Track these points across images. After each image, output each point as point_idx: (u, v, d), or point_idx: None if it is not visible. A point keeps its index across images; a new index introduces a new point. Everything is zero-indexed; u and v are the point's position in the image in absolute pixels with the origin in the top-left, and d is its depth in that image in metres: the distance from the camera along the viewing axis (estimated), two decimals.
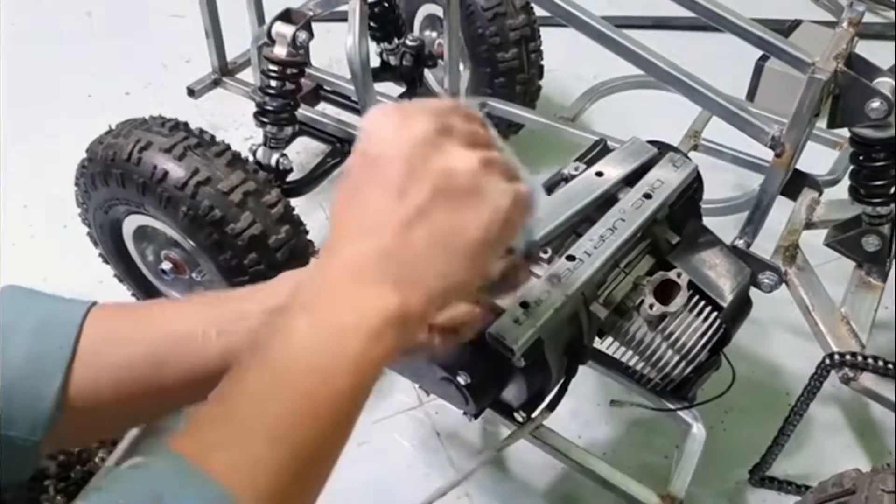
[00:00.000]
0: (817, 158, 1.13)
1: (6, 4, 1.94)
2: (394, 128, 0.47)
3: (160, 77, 1.79)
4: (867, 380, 0.88)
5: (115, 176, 1.02)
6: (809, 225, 1.03)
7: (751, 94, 1.65)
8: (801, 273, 0.97)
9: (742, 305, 0.85)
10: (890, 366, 0.86)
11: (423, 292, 0.46)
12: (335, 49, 1.33)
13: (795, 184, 1.02)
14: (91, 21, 1.99)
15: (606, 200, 0.80)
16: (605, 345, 0.83)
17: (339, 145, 1.28)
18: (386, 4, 1.32)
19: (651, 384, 0.83)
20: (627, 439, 1.12)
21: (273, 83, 1.13)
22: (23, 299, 0.54)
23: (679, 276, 0.79)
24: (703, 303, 0.81)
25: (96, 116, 1.17)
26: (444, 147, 0.47)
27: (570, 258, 0.73)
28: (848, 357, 0.87)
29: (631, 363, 0.82)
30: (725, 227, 0.99)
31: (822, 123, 0.93)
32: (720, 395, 0.86)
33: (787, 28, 1.72)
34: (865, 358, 0.87)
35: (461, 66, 1.37)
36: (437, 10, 1.41)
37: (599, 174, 0.80)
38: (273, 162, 1.17)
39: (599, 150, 0.86)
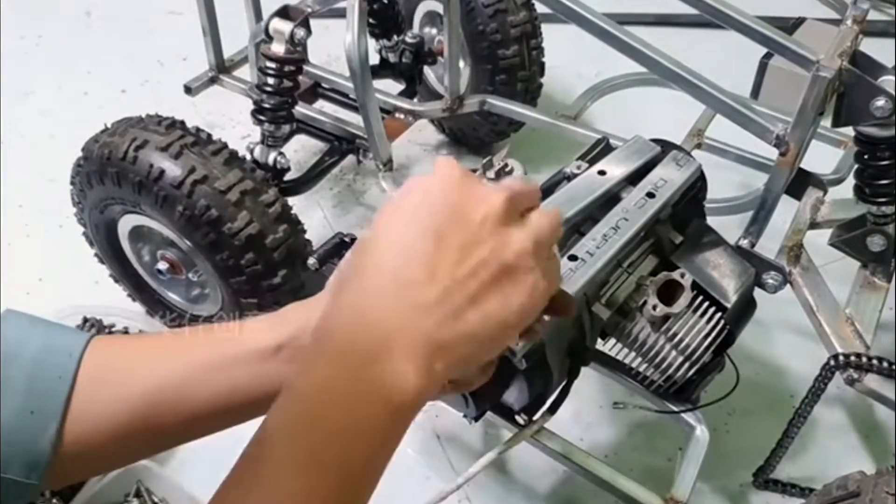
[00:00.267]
0: (822, 157, 1.12)
1: (6, 3, 1.93)
2: (463, 194, 0.46)
3: (157, 75, 1.78)
4: (872, 381, 0.87)
5: (110, 175, 1.01)
6: (814, 224, 1.02)
7: (755, 92, 1.64)
8: (805, 273, 0.96)
9: (746, 306, 0.84)
10: (895, 367, 0.85)
11: (454, 370, 0.46)
12: (334, 46, 1.32)
13: (800, 183, 1.01)
14: (89, 20, 1.98)
15: (609, 199, 0.78)
16: (608, 346, 0.82)
17: (338, 143, 1.27)
18: (385, 1, 1.31)
19: (654, 386, 0.82)
20: (630, 442, 1.11)
21: (270, 81, 1.13)
22: (20, 329, 0.52)
23: (682, 276, 0.78)
24: (706, 303, 0.80)
25: (92, 114, 1.16)
26: (506, 230, 0.46)
27: (573, 258, 0.72)
28: (852, 358, 0.87)
29: (634, 365, 0.81)
30: (729, 227, 0.98)
31: (826, 122, 0.92)
32: (724, 397, 0.85)
33: (791, 25, 1.71)
34: (870, 359, 0.86)
35: (461, 64, 1.36)
36: (437, 7, 1.40)
37: (602, 173, 0.79)
38: (270, 160, 1.16)
39: (602, 148, 0.86)
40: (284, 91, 1.14)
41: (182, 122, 1.05)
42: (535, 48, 1.37)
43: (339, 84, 1.33)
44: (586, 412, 1.14)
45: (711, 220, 0.89)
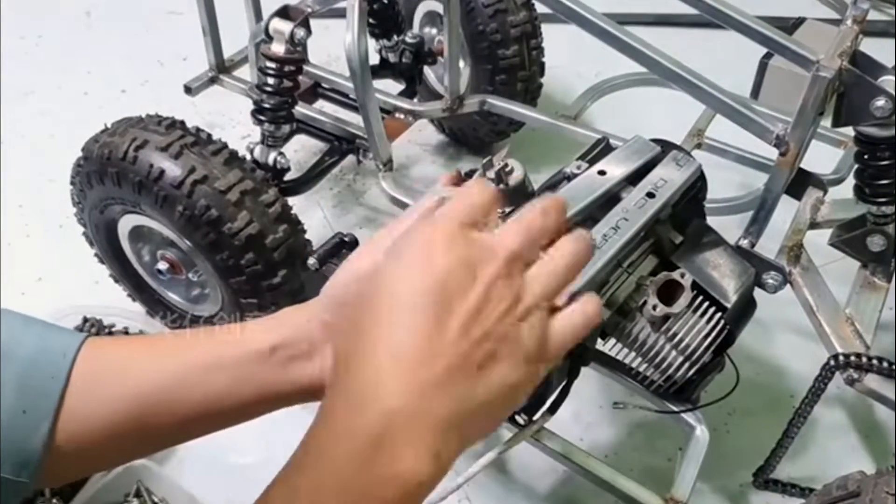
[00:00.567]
0: (822, 157, 1.12)
1: (6, 4, 1.93)
2: (466, 252, 0.44)
3: (157, 75, 1.78)
4: (872, 381, 0.87)
5: (110, 175, 1.01)
6: (814, 224, 1.02)
7: (755, 92, 1.64)
8: (805, 273, 0.96)
9: (746, 306, 0.84)
10: (894, 367, 0.85)
11: (466, 444, 0.44)
12: (334, 46, 1.32)
13: (800, 183, 1.01)
14: (89, 20, 1.98)
15: (609, 200, 0.78)
16: (608, 346, 0.82)
17: (338, 143, 1.27)
18: (385, 1, 1.31)
19: (654, 386, 0.82)
20: (630, 442, 1.11)
21: (270, 80, 1.12)
22: (14, 329, 0.52)
23: (682, 276, 0.78)
24: (706, 303, 0.80)
25: (93, 114, 1.16)
26: (511, 289, 0.44)
27: None
28: (852, 358, 0.87)
29: (634, 365, 0.81)
30: (729, 227, 0.98)
31: (826, 122, 0.92)
32: (724, 397, 0.85)
33: (791, 25, 1.71)
34: (870, 359, 0.86)
35: (461, 64, 1.36)
36: (437, 7, 1.40)
37: (602, 173, 0.79)
38: (270, 160, 1.16)
39: (602, 148, 0.85)
40: (284, 91, 1.14)
41: (182, 122, 1.05)
42: (535, 48, 1.37)
43: (339, 84, 1.33)
44: (586, 412, 1.14)
45: (711, 220, 0.89)
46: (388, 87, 1.35)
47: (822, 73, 0.82)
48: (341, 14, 1.07)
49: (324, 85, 1.38)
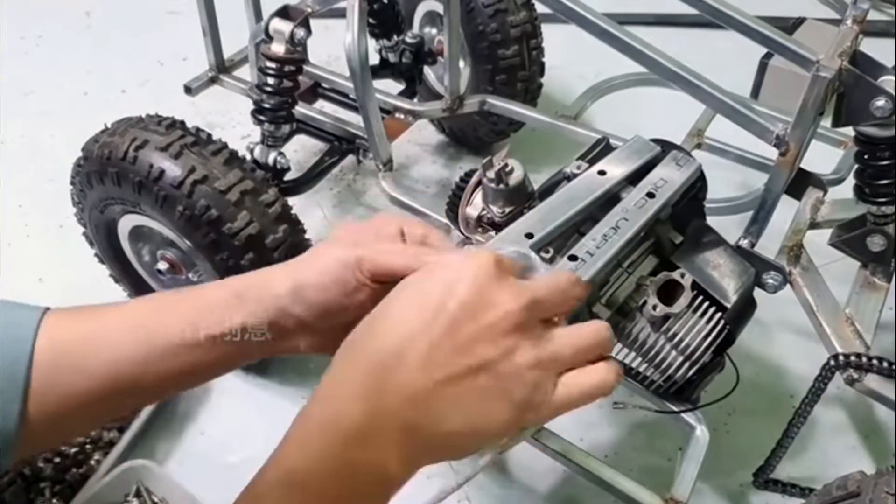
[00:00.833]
0: (822, 157, 1.12)
1: (6, 4, 1.93)
2: (488, 292, 0.46)
3: (157, 75, 1.78)
4: (872, 381, 0.87)
5: (110, 175, 1.01)
6: (814, 224, 1.02)
7: (755, 92, 1.64)
8: (805, 273, 0.96)
9: (746, 306, 0.84)
10: (894, 367, 0.85)
11: (437, 459, 0.47)
12: (334, 46, 1.32)
13: (800, 183, 1.01)
14: (89, 20, 1.98)
15: (609, 199, 0.78)
16: None
17: (338, 143, 1.27)
18: (385, 1, 1.31)
19: (654, 386, 0.82)
20: (630, 442, 1.11)
21: (270, 81, 1.12)
22: None
23: (682, 276, 0.78)
24: (706, 303, 0.80)
25: (92, 114, 1.16)
26: (514, 340, 0.46)
27: (573, 258, 0.72)
28: (852, 358, 0.87)
29: (633, 365, 0.81)
30: (729, 227, 0.98)
31: (826, 122, 0.91)
32: (724, 397, 0.85)
33: (790, 25, 1.71)
34: (870, 359, 0.86)
35: (461, 64, 1.36)
36: (437, 7, 1.40)
37: (602, 173, 0.79)
38: (270, 160, 1.16)
39: (602, 148, 0.85)
40: (284, 91, 1.14)
41: (182, 122, 1.05)
42: (535, 48, 1.37)
43: (339, 84, 1.33)
44: (586, 412, 1.14)
45: (711, 220, 0.89)
46: (388, 87, 1.35)
47: (822, 73, 0.82)
48: (341, 14, 1.07)
49: (324, 85, 1.38)
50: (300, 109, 1.24)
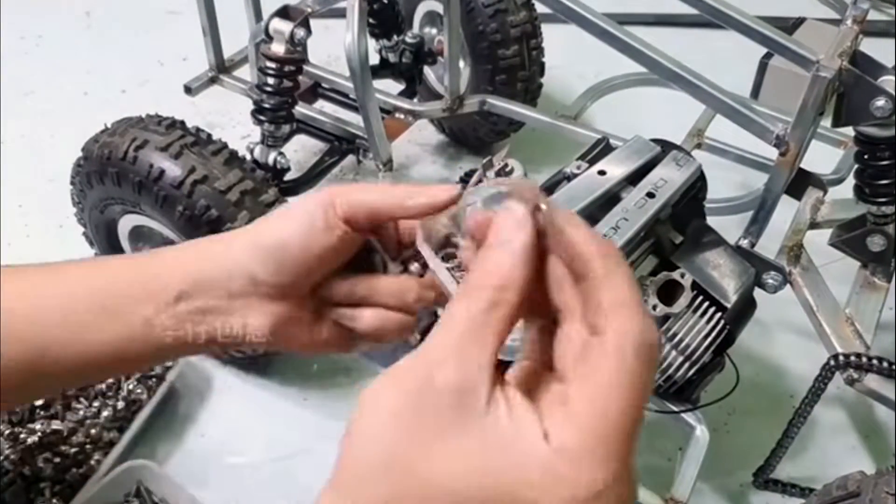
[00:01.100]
0: (822, 157, 1.12)
1: (6, 4, 1.93)
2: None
3: (157, 75, 1.77)
4: (872, 381, 0.87)
5: (110, 175, 1.01)
6: (814, 224, 1.02)
7: (755, 92, 1.64)
8: (805, 273, 0.96)
9: (746, 306, 0.84)
10: (894, 367, 0.85)
11: None
12: (334, 46, 1.32)
13: (800, 183, 1.01)
14: (89, 19, 1.98)
15: (609, 200, 0.79)
16: None
17: (337, 143, 1.27)
18: (385, 1, 1.31)
19: (654, 386, 0.82)
20: None
21: (270, 80, 1.12)
22: None
23: (682, 276, 0.78)
24: (706, 304, 0.80)
25: (92, 114, 1.16)
26: None
27: None
28: (852, 358, 0.87)
29: None
30: (729, 227, 0.98)
31: (826, 122, 0.91)
32: (724, 397, 0.85)
33: (790, 25, 1.71)
34: (870, 359, 0.86)
35: (461, 64, 1.36)
36: (437, 7, 1.40)
37: (602, 173, 0.80)
38: (270, 160, 1.16)
39: (602, 148, 0.86)
40: (284, 91, 1.14)
41: (182, 122, 1.04)
42: (535, 48, 1.37)
43: (339, 84, 1.33)
44: None
45: (711, 220, 0.89)
46: (388, 87, 1.35)
47: (822, 73, 0.82)
48: (341, 14, 1.07)
49: (324, 85, 1.38)
50: (300, 109, 1.24)
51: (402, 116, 1.30)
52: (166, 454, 1.07)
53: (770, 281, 0.93)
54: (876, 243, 0.94)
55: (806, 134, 0.87)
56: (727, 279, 0.83)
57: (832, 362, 0.87)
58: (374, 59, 1.33)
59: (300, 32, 1.09)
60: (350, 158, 1.28)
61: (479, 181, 0.82)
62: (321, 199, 0.50)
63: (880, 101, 0.82)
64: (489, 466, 0.32)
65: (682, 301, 0.77)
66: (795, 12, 1.79)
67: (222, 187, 0.98)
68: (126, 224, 1.12)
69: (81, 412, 1.04)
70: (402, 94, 1.37)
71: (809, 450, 1.09)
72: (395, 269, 0.53)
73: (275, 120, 1.15)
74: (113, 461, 1.00)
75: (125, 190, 1.01)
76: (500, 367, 0.35)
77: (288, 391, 1.15)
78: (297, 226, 0.49)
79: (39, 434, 1.01)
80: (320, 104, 1.39)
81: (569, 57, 1.60)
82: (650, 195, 0.79)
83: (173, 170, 0.97)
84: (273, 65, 1.11)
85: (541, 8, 1.05)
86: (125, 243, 1.15)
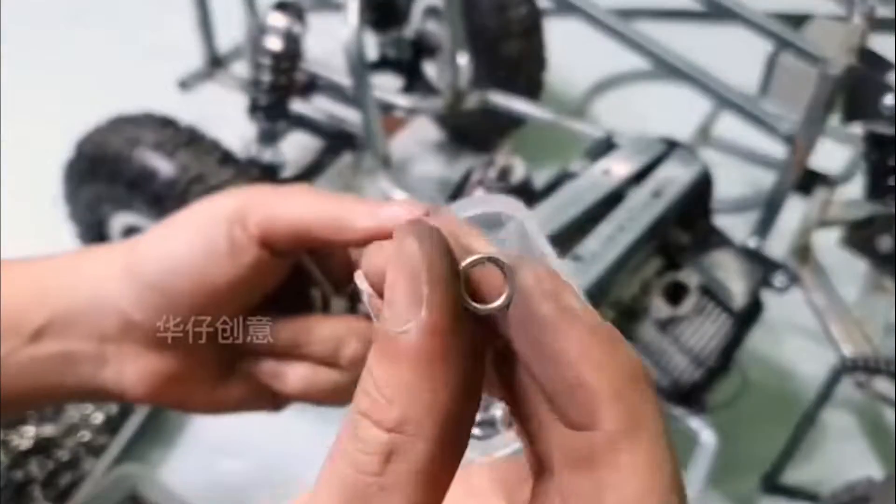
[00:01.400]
0: (831, 155, 1.10)
1: (6, 3, 1.91)
2: None
3: (150, 71, 1.75)
4: (880, 384, 0.86)
5: (102, 173, 1.00)
6: (823, 224, 1.00)
7: (763, 89, 1.62)
8: (813, 274, 0.94)
9: (753, 308, 0.83)
10: None
11: None
12: (331, 41, 1.30)
13: (808, 181, 0.99)
14: (87, 17, 1.97)
15: (614, 199, 0.77)
16: None
17: (334, 140, 1.26)
18: None
19: (660, 390, 0.80)
20: None
21: (266, 76, 1.11)
22: None
23: (689, 277, 0.77)
24: (713, 305, 0.79)
25: (89, 113, 1.14)
26: None
27: (577, 258, 0.70)
28: (861, 361, 0.85)
29: None
30: (736, 226, 0.96)
31: (835, 120, 0.90)
32: (731, 401, 0.84)
33: (799, 22, 1.69)
34: (879, 362, 0.85)
35: (462, 59, 1.34)
36: (438, 1, 1.38)
37: (606, 171, 0.78)
38: (266, 158, 1.15)
39: (606, 146, 0.84)
40: (280, 87, 1.12)
41: (175, 120, 1.03)
42: (537, 43, 1.35)
43: (336, 80, 1.31)
44: None
45: (718, 220, 0.87)
46: (388, 83, 1.33)
47: (830, 70, 0.81)
48: (339, 9, 1.05)
49: (320, 81, 1.36)
50: (296, 106, 1.22)
51: (400, 113, 1.28)
52: (159, 459, 1.06)
53: (777, 282, 0.92)
54: (885, 244, 0.93)
55: (814, 131, 0.86)
56: (734, 280, 0.82)
57: (840, 365, 0.86)
58: (373, 55, 1.32)
59: (297, 28, 1.07)
60: (347, 156, 1.27)
61: (480, 181, 0.80)
62: (225, 212, 0.37)
63: (889, 99, 0.81)
64: None
65: (689, 303, 0.76)
66: (803, 8, 1.77)
67: (216, 185, 0.96)
68: (118, 223, 1.10)
69: (74, 416, 1.03)
70: (401, 90, 1.35)
71: (817, 454, 1.08)
72: (339, 306, 0.40)
73: (270, 116, 1.13)
74: (105, 466, 0.99)
75: (117, 189, 1.00)
76: None
77: None
78: (186, 249, 0.36)
79: (32, 439, 0.99)
80: (317, 101, 1.37)
81: (572, 52, 1.58)
82: (656, 194, 0.77)
83: (167, 168, 0.96)
84: (269, 60, 1.10)
85: (543, 2, 1.03)
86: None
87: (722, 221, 0.87)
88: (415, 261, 0.21)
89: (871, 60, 0.84)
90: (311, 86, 1.36)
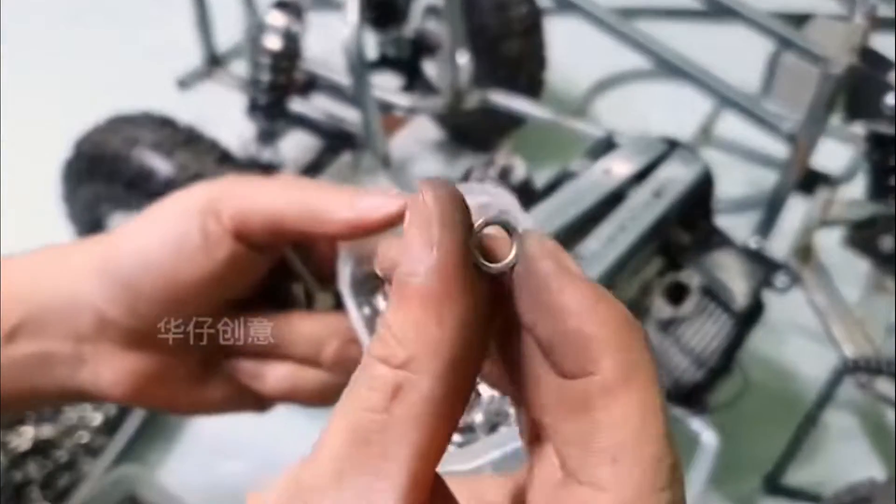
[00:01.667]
0: (833, 155, 1.10)
1: (5, 3, 1.91)
2: None
3: (148, 70, 1.75)
4: (882, 385, 0.86)
5: (101, 173, 1.00)
6: (825, 224, 1.00)
7: (765, 88, 1.61)
8: (815, 274, 0.94)
9: (755, 308, 0.83)
10: None
11: None
12: (331, 40, 1.30)
13: (810, 181, 0.99)
14: (86, 17, 1.97)
15: (614, 199, 0.77)
16: None
17: (334, 140, 1.25)
18: None
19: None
20: None
21: (265, 75, 1.11)
22: None
23: (690, 278, 0.77)
24: (714, 306, 0.79)
25: (88, 113, 1.14)
26: None
27: (577, 258, 0.70)
28: (863, 362, 0.85)
29: None
30: (738, 226, 0.96)
31: (837, 119, 0.90)
32: (732, 402, 0.84)
33: (800, 21, 1.69)
34: (881, 362, 0.85)
35: (462, 58, 1.34)
36: (438, 0, 1.38)
37: (607, 171, 0.78)
38: (265, 157, 1.14)
39: (607, 145, 0.84)
40: (279, 86, 1.12)
41: (174, 119, 1.03)
42: (538, 42, 1.35)
43: (335, 79, 1.31)
44: None
45: (720, 220, 0.87)
46: (387, 83, 1.32)
47: (831, 69, 0.81)
48: (338, 7, 1.05)
49: (320, 80, 1.36)
50: (295, 105, 1.22)
51: (400, 112, 1.28)
52: (158, 460, 1.06)
53: (779, 282, 0.92)
54: (887, 244, 0.92)
55: (816, 131, 0.86)
56: (735, 280, 0.81)
57: (842, 366, 0.86)
58: (373, 54, 1.31)
59: (296, 27, 1.07)
60: (347, 155, 1.27)
61: (480, 181, 0.80)
62: (198, 204, 0.37)
63: (891, 99, 0.81)
64: None
65: (690, 303, 0.75)
66: (805, 7, 1.77)
67: None
68: (117, 223, 1.10)
69: (72, 418, 1.03)
70: (401, 89, 1.35)
71: (819, 455, 1.07)
72: (324, 301, 0.38)
73: (269, 116, 1.13)
74: (104, 467, 0.99)
75: (116, 188, 1.00)
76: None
77: None
78: (158, 244, 0.36)
79: (30, 440, 0.99)
80: (316, 100, 1.37)
81: (573, 51, 1.58)
82: (657, 194, 0.77)
83: (165, 168, 0.95)
84: (268, 59, 1.10)
85: (544, 1, 1.03)
86: None
87: (723, 221, 0.87)
88: (429, 208, 0.22)
89: (872, 60, 0.84)
90: (311, 85, 1.36)
